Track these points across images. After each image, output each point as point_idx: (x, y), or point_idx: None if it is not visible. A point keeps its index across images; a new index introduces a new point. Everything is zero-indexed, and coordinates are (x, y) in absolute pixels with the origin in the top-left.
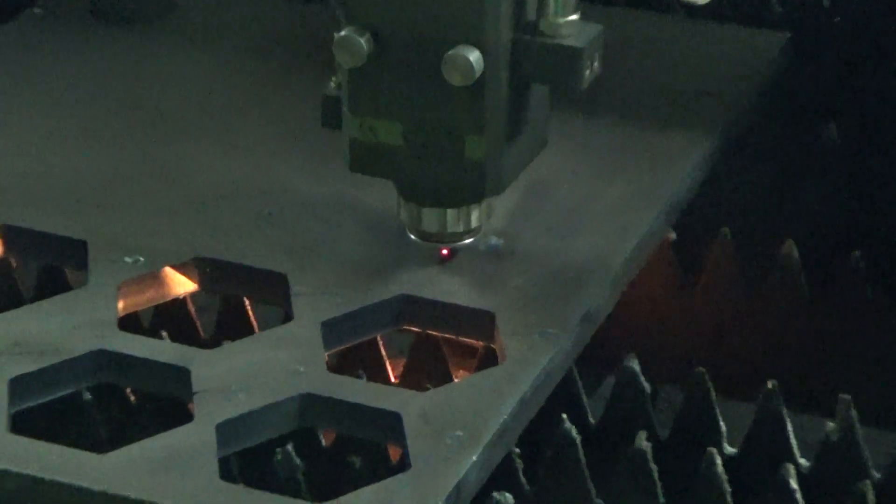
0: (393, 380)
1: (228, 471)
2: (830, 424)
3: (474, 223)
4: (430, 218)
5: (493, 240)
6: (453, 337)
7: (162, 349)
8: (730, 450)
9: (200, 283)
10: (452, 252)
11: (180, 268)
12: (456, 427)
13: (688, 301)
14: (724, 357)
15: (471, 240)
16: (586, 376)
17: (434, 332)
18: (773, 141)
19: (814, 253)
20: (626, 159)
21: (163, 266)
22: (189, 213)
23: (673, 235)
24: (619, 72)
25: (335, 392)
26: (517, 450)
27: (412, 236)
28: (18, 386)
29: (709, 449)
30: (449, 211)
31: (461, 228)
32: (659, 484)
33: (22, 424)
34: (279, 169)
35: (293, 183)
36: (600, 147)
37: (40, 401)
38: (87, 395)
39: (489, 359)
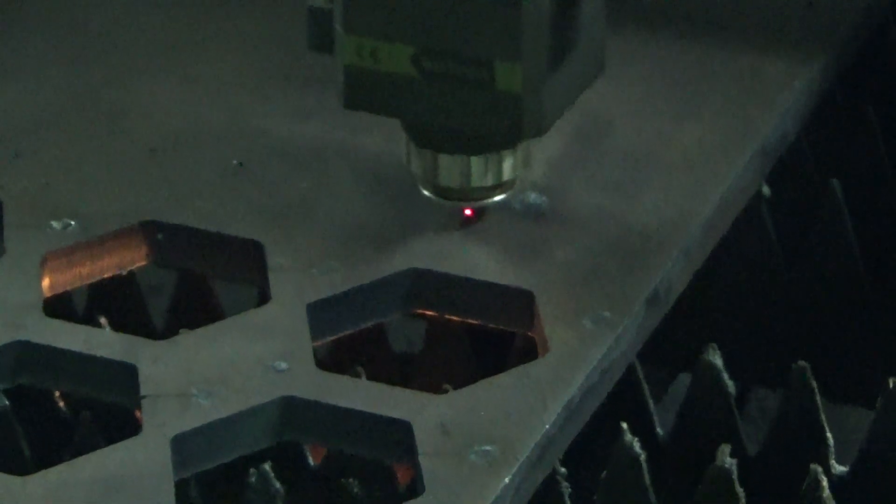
0: (402, 379)
1: (187, 498)
2: None
3: (507, 175)
4: (449, 169)
5: (533, 196)
6: (479, 323)
7: (100, 340)
8: (839, 468)
9: (150, 254)
10: (478, 213)
11: (124, 235)
12: (484, 441)
13: (785, 279)
14: (832, 352)
15: (503, 197)
16: (653, 375)
17: (454, 318)
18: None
19: None
20: (706, 91)
21: (101, 233)
22: (136, 164)
23: (767, 191)
24: None
25: (326, 395)
26: (563, 470)
27: (426, 193)
28: None
29: (812, 467)
30: (474, 159)
31: (490, 182)
32: None
33: None
34: (251, 107)
35: (269, 125)
36: (673, 75)
37: None
38: (4, 401)
39: (527, 352)
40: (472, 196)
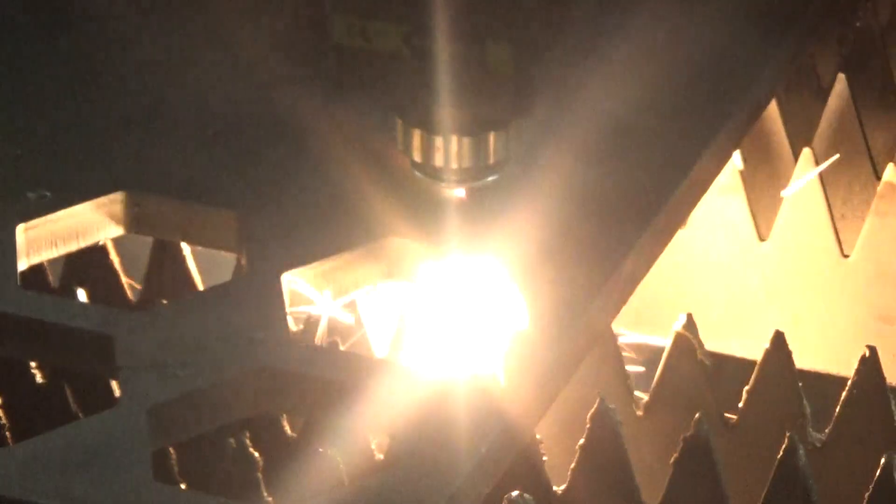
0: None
1: (165, 468)
2: None
3: (498, 156)
4: (441, 149)
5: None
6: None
7: (77, 311)
8: (815, 435)
9: (126, 224)
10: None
11: (100, 205)
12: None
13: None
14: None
15: (495, 177)
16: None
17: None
18: None
19: None
20: (679, 62)
21: (77, 203)
22: (111, 133)
23: (740, 164)
24: None
25: (303, 365)
26: (538, 436)
27: (418, 174)
28: None
29: (789, 434)
30: (466, 140)
31: (482, 162)
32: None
33: None
34: (229, 77)
35: (248, 94)
36: (646, 44)
37: None
38: None
39: None
40: (464, 177)
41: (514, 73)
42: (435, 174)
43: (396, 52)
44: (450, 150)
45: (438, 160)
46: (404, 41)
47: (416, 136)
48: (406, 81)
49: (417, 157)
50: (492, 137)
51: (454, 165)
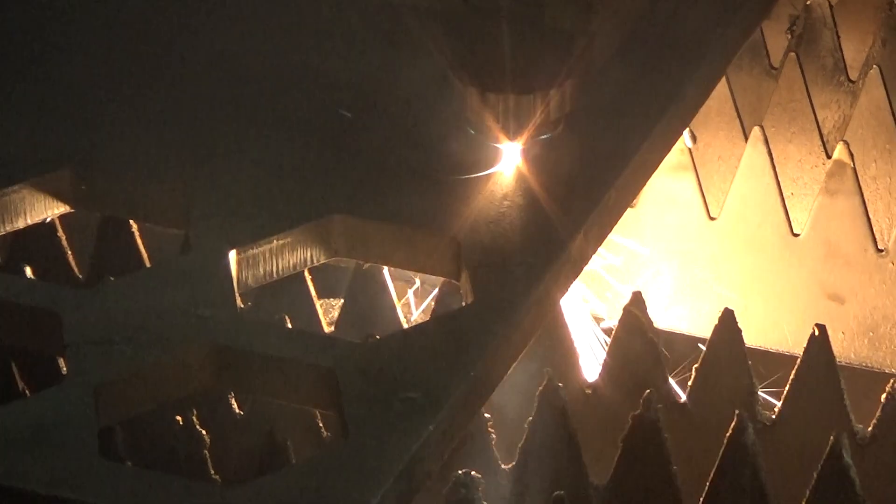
0: (326, 327)
1: (111, 446)
2: None
3: (554, 114)
4: (496, 107)
5: None
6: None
7: (23, 288)
8: (764, 414)
9: (72, 201)
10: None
11: (45, 181)
12: (409, 387)
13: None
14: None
15: (548, 136)
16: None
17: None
18: None
19: None
20: (630, 39)
21: (22, 180)
22: (56, 105)
23: (690, 142)
24: None
25: (250, 343)
26: (487, 416)
27: (471, 131)
28: None
29: (739, 413)
30: (523, 98)
31: (539, 120)
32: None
33: None
34: (180, 47)
35: (196, 69)
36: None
37: None
38: None
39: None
40: (519, 134)
41: (572, 31)
42: (488, 131)
43: (454, 8)
44: (503, 107)
45: (492, 118)
46: None
47: (471, 94)
48: (462, 38)
49: (471, 113)
50: (546, 96)
51: (510, 123)
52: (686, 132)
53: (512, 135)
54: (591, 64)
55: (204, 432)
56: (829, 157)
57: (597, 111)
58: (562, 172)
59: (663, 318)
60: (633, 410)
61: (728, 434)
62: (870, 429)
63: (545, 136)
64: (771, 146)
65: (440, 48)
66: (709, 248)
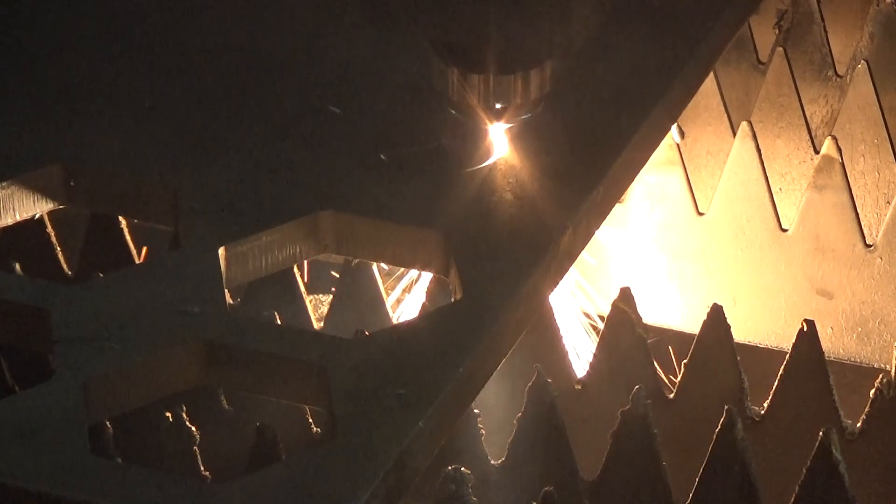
0: (315, 323)
1: (101, 442)
2: None
3: (535, 93)
4: (477, 87)
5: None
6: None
7: (11, 284)
8: (753, 409)
9: (61, 197)
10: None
11: (34, 177)
12: (398, 384)
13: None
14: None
15: (528, 115)
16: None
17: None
18: None
19: None
20: (620, 32)
21: (12, 176)
22: (45, 102)
23: (678, 137)
24: None
25: (240, 339)
26: (477, 411)
27: (452, 112)
28: None
29: (727, 408)
30: (504, 78)
31: (518, 101)
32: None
33: None
34: (166, 48)
35: (184, 65)
36: (588, 15)
37: None
38: None
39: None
40: (501, 115)
41: (552, 11)
42: (469, 111)
43: None
44: (485, 87)
45: (472, 97)
46: None
47: (452, 74)
48: (444, 17)
49: (452, 94)
50: (527, 76)
51: (491, 103)
52: (674, 128)
53: (494, 116)
54: (571, 44)
55: (193, 428)
56: (817, 152)
57: (584, 106)
58: (551, 168)
59: (652, 313)
60: (623, 406)
61: (717, 429)
62: (858, 424)
63: (526, 116)
64: (759, 141)
65: (422, 29)
66: (697, 243)
